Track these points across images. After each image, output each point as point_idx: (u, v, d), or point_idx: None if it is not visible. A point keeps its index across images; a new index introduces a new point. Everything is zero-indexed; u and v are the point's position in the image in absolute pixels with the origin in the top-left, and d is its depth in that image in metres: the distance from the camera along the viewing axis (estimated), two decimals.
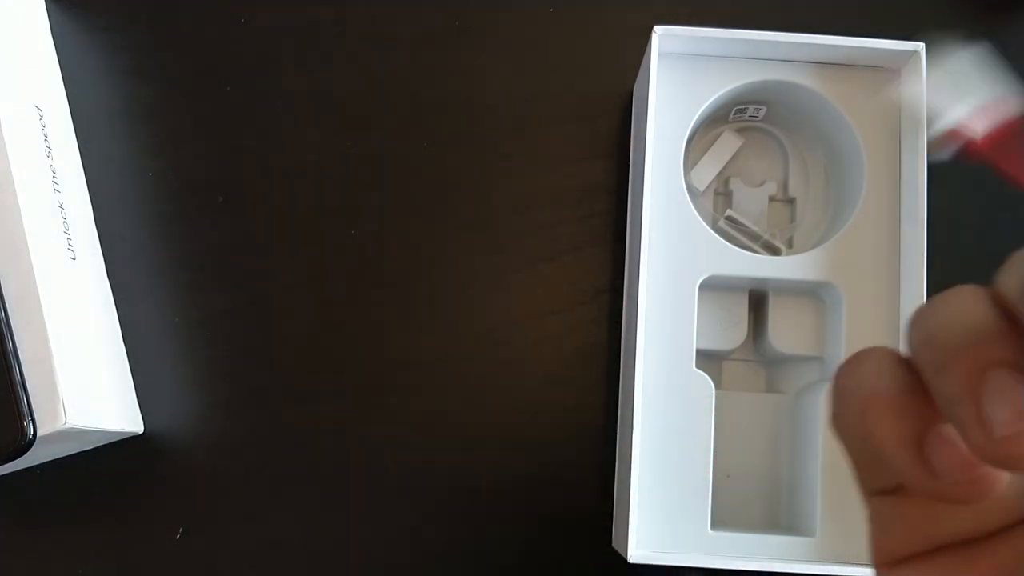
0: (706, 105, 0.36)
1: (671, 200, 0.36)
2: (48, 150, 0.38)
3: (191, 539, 0.39)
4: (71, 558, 0.39)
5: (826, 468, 0.35)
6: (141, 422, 0.39)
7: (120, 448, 0.39)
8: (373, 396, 0.39)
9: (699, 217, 0.36)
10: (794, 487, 0.37)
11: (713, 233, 0.36)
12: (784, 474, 0.38)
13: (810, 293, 0.37)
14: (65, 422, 0.34)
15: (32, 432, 0.33)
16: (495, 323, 0.39)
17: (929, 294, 0.33)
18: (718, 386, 0.36)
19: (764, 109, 0.38)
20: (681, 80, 0.36)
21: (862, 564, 0.33)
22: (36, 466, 0.39)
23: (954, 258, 0.38)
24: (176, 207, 0.41)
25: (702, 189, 0.38)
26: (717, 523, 0.35)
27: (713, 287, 0.37)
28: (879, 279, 0.36)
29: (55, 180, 0.38)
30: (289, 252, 0.40)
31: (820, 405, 0.35)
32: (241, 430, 0.39)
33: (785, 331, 0.37)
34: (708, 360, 0.38)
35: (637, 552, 0.33)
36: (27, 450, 0.33)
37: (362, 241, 0.40)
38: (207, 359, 0.40)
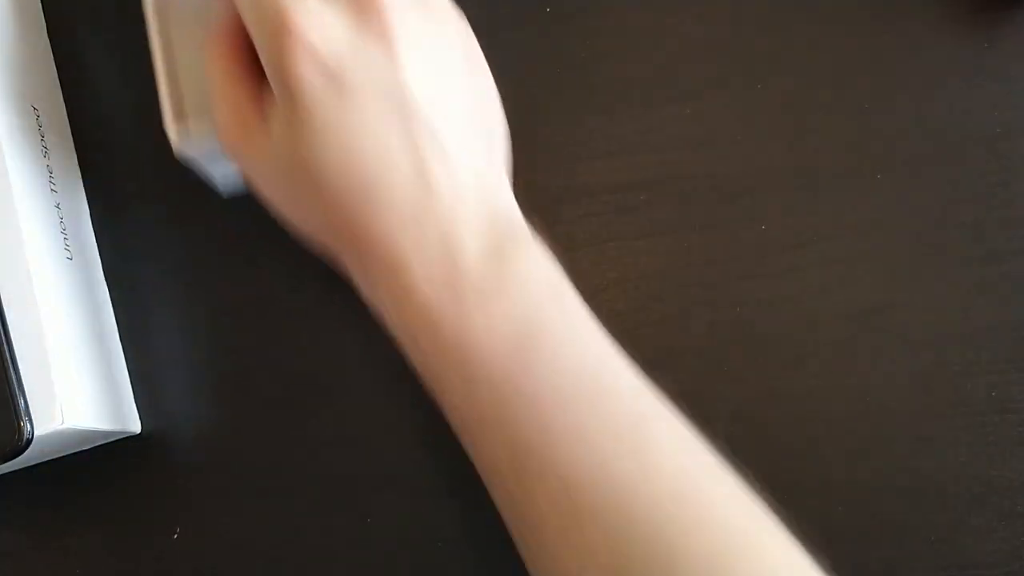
0: None
1: None
2: (45, 150, 0.38)
3: (187, 540, 0.39)
4: (67, 559, 0.39)
5: None
6: (139, 422, 0.39)
7: (116, 448, 0.39)
8: (373, 396, 0.39)
9: None
10: None
11: None
12: None
13: None
14: (62, 423, 0.34)
15: (29, 432, 0.33)
16: None
17: None
18: None
19: None
20: None
21: None
22: (32, 466, 0.39)
23: None
24: (175, 206, 0.41)
25: None
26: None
27: None
28: None
29: (52, 180, 0.38)
30: (287, 251, 0.40)
31: None
32: (238, 431, 0.39)
33: None
34: None
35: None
36: (24, 450, 0.33)
37: None
38: (205, 359, 0.40)
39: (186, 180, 0.40)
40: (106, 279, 0.40)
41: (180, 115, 0.36)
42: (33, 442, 0.33)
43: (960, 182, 0.38)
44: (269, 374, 0.39)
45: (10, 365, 0.33)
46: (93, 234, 0.41)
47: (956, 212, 0.38)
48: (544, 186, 0.40)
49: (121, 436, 0.39)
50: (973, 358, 0.37)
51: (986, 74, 0.39)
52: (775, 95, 0.39)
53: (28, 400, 0.33)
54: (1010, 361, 0.37)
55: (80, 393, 0.35)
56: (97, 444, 0.39)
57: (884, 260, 0.38)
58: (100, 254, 0.41)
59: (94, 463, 0.39)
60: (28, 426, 0.33)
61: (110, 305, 0.40)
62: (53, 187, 0.38)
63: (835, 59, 0.39)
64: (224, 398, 0.39)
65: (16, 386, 0.33)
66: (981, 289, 0.38)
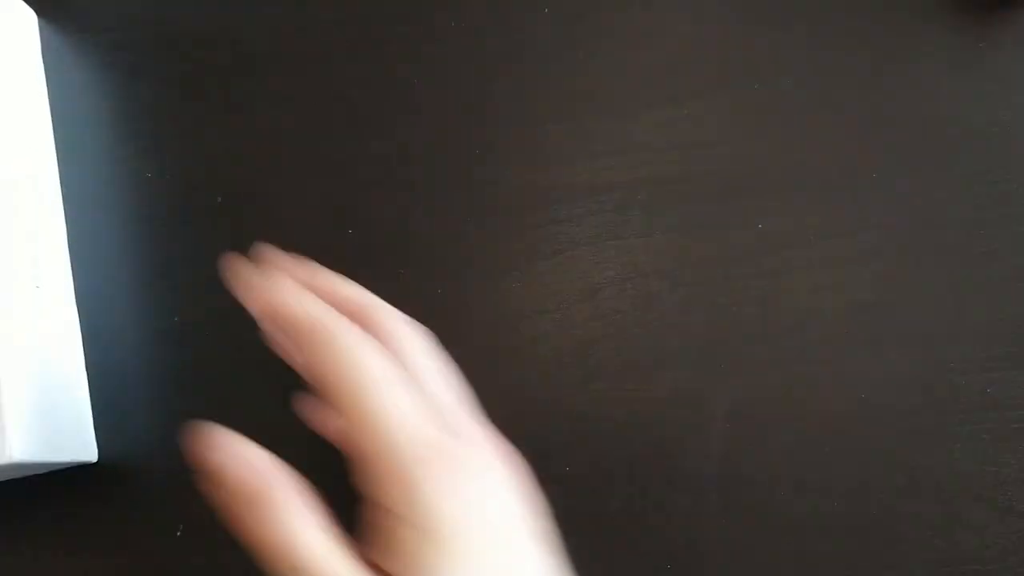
0: None
1: None
2: (25, 179, 0.38)
3: (189, 539, 0.38)
4: (68, 558, 0.38)
5: None
6: (95, 450, 0.38)
7: (117, 448, 0.39)
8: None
9: None
10: None
11: None
12: None
13: None
14: (11, 457, 0.33)
15: None
16: (491, 321, 0.39)
17: None
18: None
19: None
20: None
21: None
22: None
23: None
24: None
25: None
26: None
27: None
28: None
29: (30, 210, 0.38)
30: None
31: None
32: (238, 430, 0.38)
33: None
34: None
35: None
36: None
37: (358, 242, 0.39)
38: (192, 362, 0.39)
39: (184, 182, 0.40)
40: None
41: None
42: None
43: (959, 181, 0.39)
44: (263, 378, 0.38)
45: None
46: (69, 261, 0.40)
47: (955, 211, 0.39)
48: (544, 186, 0.40)
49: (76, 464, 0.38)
50: (969, 355, 0.38)
51: (986, 74, 0.39)
52: (775, 95, 0.39)
53: None
54: (1006, 359, 0.38)
55: (33, 425, 0.35)
56: (52, 471, 0.38)
57: (882, 259, 0.38)
58: (75, 279, 0.40)
59: (93, 464, 0.39)
60: None
61: (79, 331, 0.39)
62: (30, 216, 0.37)
63: (835, 59, 0.39)
64: (225, 398, 0.39)
65: None
66: (978, 287, 0.38)
